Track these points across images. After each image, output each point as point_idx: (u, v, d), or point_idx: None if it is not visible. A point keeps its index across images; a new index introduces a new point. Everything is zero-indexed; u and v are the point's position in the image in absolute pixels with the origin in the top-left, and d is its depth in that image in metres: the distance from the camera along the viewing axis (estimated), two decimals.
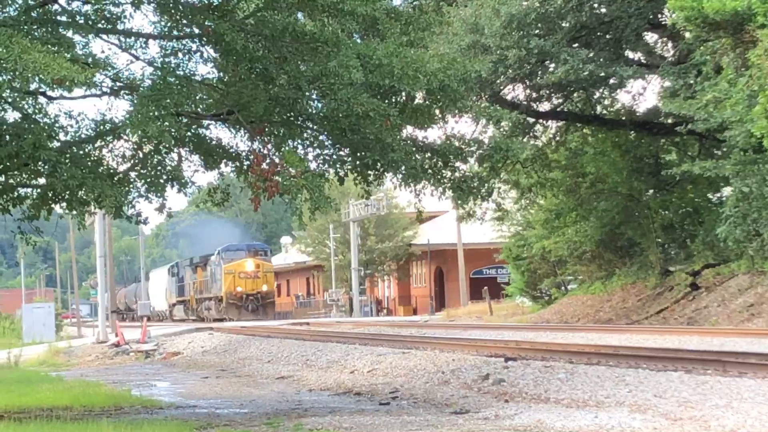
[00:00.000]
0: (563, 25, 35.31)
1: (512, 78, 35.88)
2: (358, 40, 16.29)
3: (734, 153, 29.36)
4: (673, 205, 42.02)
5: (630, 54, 37.56)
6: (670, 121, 36.96)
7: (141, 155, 15.70)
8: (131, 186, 15.66)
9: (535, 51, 33.68)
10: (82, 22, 15.14)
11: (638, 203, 42.25)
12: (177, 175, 15.63)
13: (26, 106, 15.46)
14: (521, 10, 33.29)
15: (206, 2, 15.44)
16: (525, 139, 38.74)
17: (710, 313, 33.92)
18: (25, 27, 14.29)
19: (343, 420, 14.32)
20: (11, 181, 15.95)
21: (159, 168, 15.61)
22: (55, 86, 14.06)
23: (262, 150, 15.79)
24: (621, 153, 41.78)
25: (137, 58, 15.78)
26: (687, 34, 32.68)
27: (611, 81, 37.26)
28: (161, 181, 15.52)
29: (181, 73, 15.40)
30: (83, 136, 15.46)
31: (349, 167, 16.72)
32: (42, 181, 15.81)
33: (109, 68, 15.25)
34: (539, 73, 35.51)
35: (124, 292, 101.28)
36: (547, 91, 38.85)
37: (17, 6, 15.14)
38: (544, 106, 40.80)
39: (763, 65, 25.56)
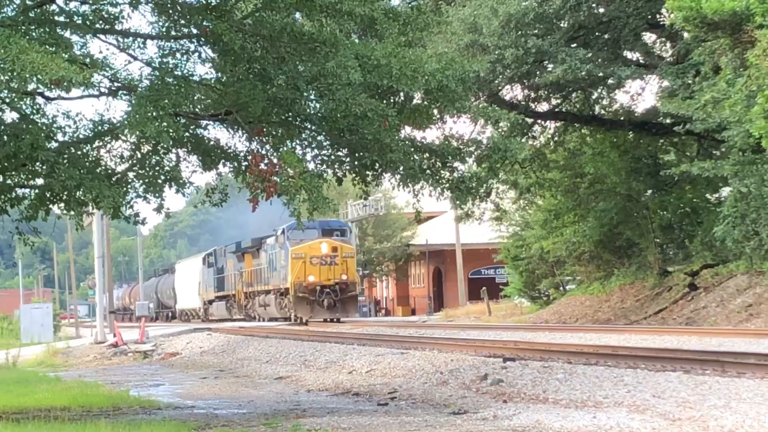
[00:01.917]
0: (561, 25, 35.33)
1: (510, 78, 35.87)
2: (357, 41, 16.27)
3: (733, 153, 29.37)
4: (672, 205, 42.01)
5: (628, 54, 37.56)
6: (668, 121, 36.95)
7: (139, 156, 15.68)
8: (129, 186, 15.64)
9: (533, 51, 33.69)
10: (79, 22, 15.12)
11: (637, 203, 42.25)
12: (175, 175, 15.61)
13: (24, 107, 15.45)
14: (519, 9, 33.30)
15: (204, 2, 15.42)
16: (523, 140, 38.74)
17: (709, 314, 33.91)
18: (23, 27, 14.27)
19: (342, 420, 14.31)
20: (9, 181, 15.93)
21: (157, 168, 15.59)
22: (53, 86, 14.05)
23: (260, 150, 15.78)
24: (619, 153, 41.78)
25: (135, 59, 15.78)
26: (685, 34, 32.68)
27: (609, 81, 37.26)
28: (159, 181, 15.50)
29: (179, 73, 15.39)
30: (81, 136, 15.44)
31: (348, 167, 16.71)
32: (40, 181, 15.79)
33: (107, 68, 15.24)
34: (537, 73, 35.51)
35: (141, 288, 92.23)
36: (546, 92, 38.86)
37: (15, 6, 15.13)
38: (543, 107, 40.82)
39: (762, 65, 25.55)
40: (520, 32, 33.81)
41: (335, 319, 48.35)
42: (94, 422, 15.01)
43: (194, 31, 15.41)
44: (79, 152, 15.42)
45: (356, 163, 16.58)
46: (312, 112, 16.06)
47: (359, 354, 24.57)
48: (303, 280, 48.39)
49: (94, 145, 15.72)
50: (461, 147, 17.56)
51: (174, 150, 15.74)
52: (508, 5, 33.26)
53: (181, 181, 15.66)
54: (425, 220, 72.29)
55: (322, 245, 48.88)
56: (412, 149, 16.87)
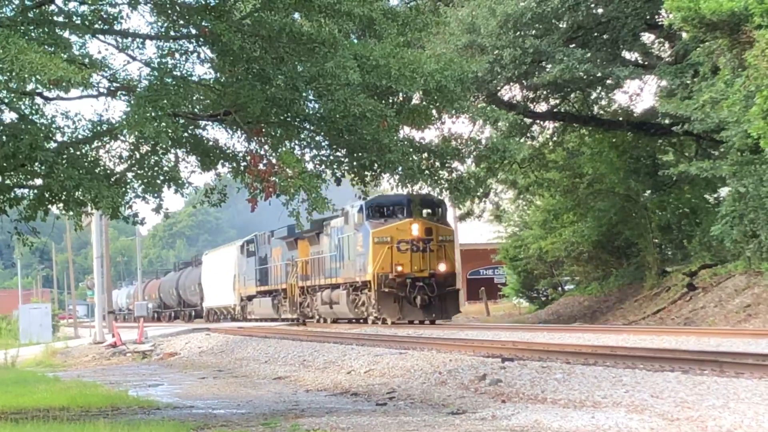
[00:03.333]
0: (560, 25, 35.37)
1: (509, 78, 35.92)
2: (355, 41, 16.30)
3: (731, 153, 29.39)
4: (670, 205, 42.09)
5: (627, 54, 37.62)
6: (667, 121, 37.00)
7: (138, 156, 15.68)
8: (128, 187, 15.64)
9: (531, 51, 33.74)
10: (78, 22, 15.13)
11: (635, 204, 42.32)
12: (174, 175, 15.62)
13: (23, 107, 15.45)
14: (517, 10, 33.35)
15: (203, 3, 15.44)
16: (522, 140, 38.79)
17: (707, 314, 33.94)
18: (22, 27, 14.28)
19: (340, 420, 14.32)
20: (8, 181, 15.93)
21: (156, 169, 15.59)
22: (51, 87, 14.04)
23: (259, 150, 15.79)
24: (618, 153, 41.86)
25: (134, 59, 15.78)
26: (684, 35, 32.72)
27: (608, 81, 37.33)
28: (158, 181, 15.50)
29: (178, 73, 15.39)
30: (80, 136, 15.45)
31: (346, 168, 16.72)
32: (39, 181, 15.80)
33: (106, 69, 15.24)
34: (536, 73, 35.57)
35: (156, 285, 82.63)
36: (544, 92, 38.93)
37: (14, 6, 15.13)
38: (541, 107, 40.90)
39: (760, 66, 25.57)
40: (518, 32, 33.86)
41: (431, 321, 38.15)
42: (92, 422, 15.02)
43: (193, 31, 15.43)
44: (77, 152, 15.43)
45: (355, 163, 16.59)
46: (311, 112, 16.07)
47: (358, 354, 24.57)
48: (389, 270, 37.80)
49: (92, 146, 15.73)
50: (460, 147, 17.57)
51: (173, 150, 15.75)
52: (505, 5, 33.31)
53: (179, 182, 15.67)
54: None
55: (413, 226, 37.90)
56: (411, 149, 16.88)
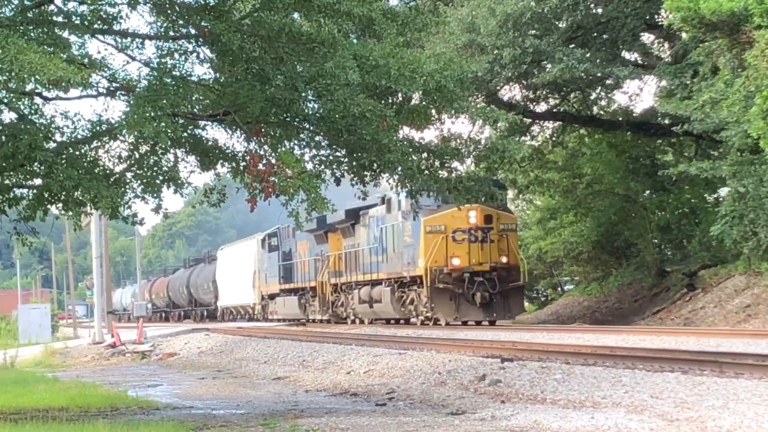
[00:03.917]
0: (559, 25, 35.41)
1: (509, 78, 35.95)
2: (355, 41, 16.29)
3: (731, 154, 29.41)
4: (670, 205, 42.11)
5: (626, 55, 37.66)
6: (666, 121, 37.04)
7: (137, 156, 15.68)
8: (127, 187, 15.64)
9: (530, 50, 33.76)
10: (78, 22, 15.12)
11: (635, 204, 42.34)
12: (173, 176, 15.62)
13: (22, 107, 15.45)
14: (517, 9, 33.37)
15: (202, 3, 15.43)
16: (521, 140, 38.83)
17: (707, 314, 33.94)
18: (21, 27, 14.27)
19: (340, 421, 14.31)
20: (7, 181, 15.93)
21: (155, 169, 15.59)
22: (51, 87, 14.04)
23: (258, 150, 15.78)
24: (617, 154, 41.90)
25: (133, 59, 15.77)
26: (683, 35, 32.73)
27: (608, 81, 37.37)
28: (157, 182, 15.50)
29: (178, 73, 15.39)
30: (79, 136, 15.44)
31: (346, 168, 16.71)
32: (38, 181, 15.79)
33: (105, 69, 15.23)
34: (535, 72, 35.60)
35: (165, 283, 79.70)
36: (544, 92, 38.99)
37: (13, 6, 15.13)
38: (541, 107, 40.96)
39: (760, 66, 25.58)
40: (517, 32, 33.88)
41: (490, 322, 34.35)
42: (92, 422, 15.02)
43: (192, 31, 15.42)
44: (77, 152, 15.42)
45: (354, 163, 16.58)
46: (310, 112, 16.07)
47: (357, 354, 24.57)
48: (444, 264, 33.84)
49: (92, 146, 15.72)
50: (459, 147, 17.56)
51: (172, 150, 15.75)
52: (505, 5, 33.34)
53: (179, 182, 15.67)
54: None
55: (470, 213, 33.90)
56: (410, 149, 16.88)
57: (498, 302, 33.71)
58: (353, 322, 41.00)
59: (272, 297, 51.59)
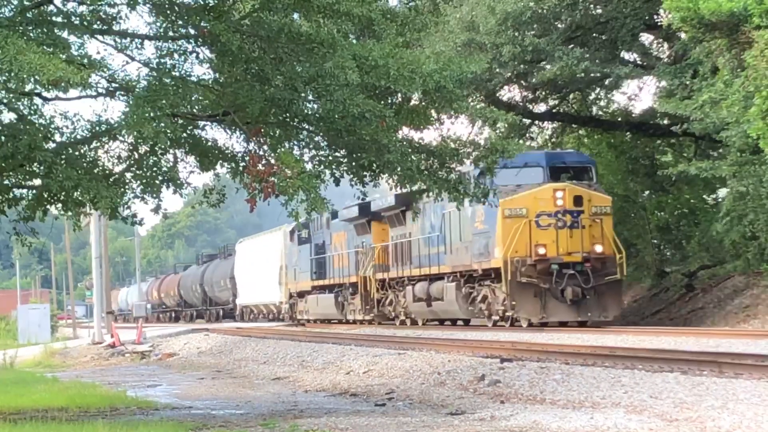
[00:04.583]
0: (558, 25, 35.43)
1: (508, 79, 35.97)
2: (354, 41, 16.29)
3: (731, 154, 29.41)
4: (669, 206, 42.05)
5: (626, 55, 37.67)
6: (666, 122, 37.04)
7: (136, 156, 15.70)
8: (127, 187, 15.66)
9: (530, 48, 33.77)
10: (77, 23, 15.12)
11: (634, 204, 42.27)
12: (172, 176, 15.62)
13: (22, 107, 15.45)
14: (516, 8, 33.38)
15: (202, 3, 15.44)
16: (521, 140, 38.83)
17: (706, 314, 33.94)
18: (21, 28, 14.28)
19: (339, 421, 14.31)
20: (6, 182, 15.94)
21: (155, 169, 15.60)
22: (50, 87, 14.05)
23: (257, 151, 15.78)
24: (617, 154, 41.83)
25: (133, 59, 15.77)
26: (683, 35, 32.73)
27: (607, 81, 37.38)
28: (157, 182, 15.51)
29: (177, 74, 15.39)
30: (79, 137, 15.45)
31: (345, 168, 16.71)
32: (37, 182, 15.79)
33: (105, 69, 15.22)
34: (534, 72, 35.62)
35: (176, 280, 75.42)
36: (543, 92, 38.98)
37: (12, 7, 15.13)
38: (540, 108, 40.94)
39: (759, 66, 25.58)
40: (517, 31, 33.90)
41: (580, 323, 29.28)
42: (91, 422, 15.02)
43: (192, 31, 15.42)
44: (76, 153, 15.43)
45: (354, 163, 16.58)
46: (310, 112, 16.07)
47: (357, 354, 24.57)
48: (527, 254, 29.07)
49: (91, 146, 15.72)
50: (459, 148, 17.56)
51: (171, 150, 15.75)
52: (504, 3, 33.35)
53: (178, 182, 15.69)
54: None
55: (557, 194, 29.25)
56: (410, 150, 16.88)
57: (591, 299, 29.04)
58: (403, 323, 36.94)
59: (302, 295, 46.63)
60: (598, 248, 29.16)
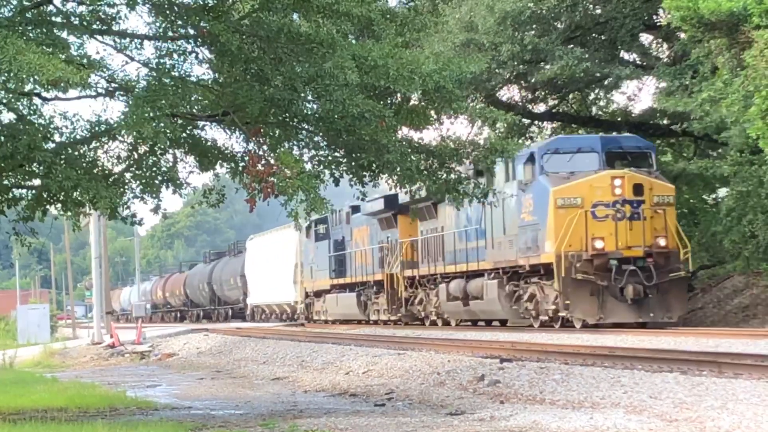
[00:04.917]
0: (558, 25, 35.43)
1: (507, 79, 35.96)
2: (354, 42, 16.29)
3: (731, 153, 29.40)
4: None
5: (625, 55, 37.67)
6: (665, 121, 37.03)
7: (136, 156, 15.70)
8: (126, 187, 15.66)
9: (529, 48, 33.76)
10: (77, 23, 15.13)
11: None
12: (172, 176, 15.63)
13: (21, 107, 15.45)
14: (515, 8, 33.38)
15: (201, 3, 15.44)
16: (520, 141, 38.85)
17: (706, 315, 33.94)
18: (20, 28, 14.28)
19: (339, 421, 14.31)
20: (6, 182, 15.94)
21: (154, 169, 15.61)
22: (50, 87, 14.05)
23: (257, 151, 15.79)
24: None
25: (132, 59, 15.78)
26: (682, 35, 32.73)
27: (606, 82, 37.37)
28: (156, 182, 15.52)
29: (176, 74, 15.39)
30: (78, 137, 15.45)
31: (345, 168, 16.72)
32: (37, 182, 15.80)
33: (104, 69, 15.23)
34: (534, 72, 35.61)
35: (182, 279, 72.91)
36: (543, 92, 38.97)
37: (12, 7, 15.13)
38: (540, 108, 40.92)
39: (759, 66, 25.58)
40: (516, 31, 33.90)
41: (640, 325, 26.76)
42: (90, 423, 15.02)
43: (191, 31, 15.42)
44: (76, 153, 15.44)
45: (353, 163, 16.59)
46: (309, 112, 16.07)
47: (356, 355, 24.56)
48: (582, 248, 26.59)
49: (91, 146, 15.73)
50: (458, 148, 17.56)
51: (171, 151, 15.76)
52: (503, 3, 33.35)
53: (178, 182, 15.69)
54: None
55: (614, 182, 26.84)
56: (409, 150, 16.88)
57: (654, 298, 26.62)
58: (433, 323, 34.59)
59: (319, 294, 44.00)
60: (662, 242, 26.94)
